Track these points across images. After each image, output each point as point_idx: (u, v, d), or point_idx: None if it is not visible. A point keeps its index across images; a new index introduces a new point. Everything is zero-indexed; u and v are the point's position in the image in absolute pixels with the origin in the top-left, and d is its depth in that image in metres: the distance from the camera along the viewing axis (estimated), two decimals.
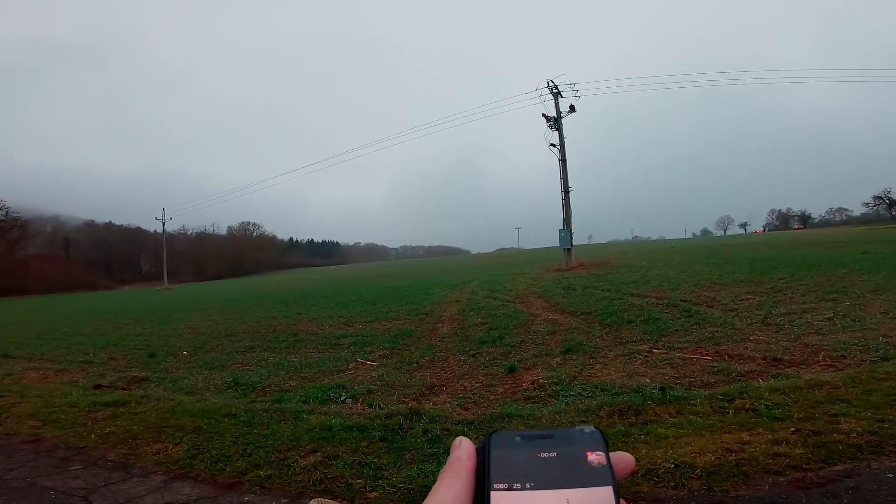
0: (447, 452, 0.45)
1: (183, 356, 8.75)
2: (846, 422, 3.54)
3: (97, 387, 6.71)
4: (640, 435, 3.76)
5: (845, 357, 5.29)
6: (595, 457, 0.41)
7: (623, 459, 0.43)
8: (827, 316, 7.33)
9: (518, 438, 0.43)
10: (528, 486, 0.40)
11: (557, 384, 5.27)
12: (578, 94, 28.15)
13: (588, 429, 0.43)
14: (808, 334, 6.43)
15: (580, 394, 4.94)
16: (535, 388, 5.27)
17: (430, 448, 3.90)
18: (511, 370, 6.02)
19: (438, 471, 0.42)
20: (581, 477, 0.40)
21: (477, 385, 5.63)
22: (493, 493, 0.40)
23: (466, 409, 4.86)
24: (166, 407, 5.45)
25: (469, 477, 0.42)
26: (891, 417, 3.54)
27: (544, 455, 0.42)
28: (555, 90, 27.84)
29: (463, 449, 0.44)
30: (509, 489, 0.40)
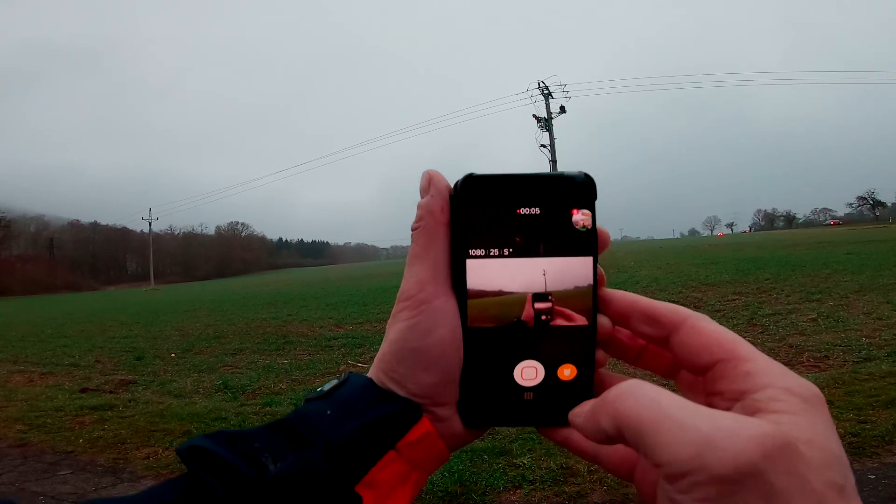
0: None
1: (171, 358, 8.67)
2: None
3: (84, 390, 6.63)
4: None
5: (828, 358, 5.40)
6: (581, 217, 0.36)
7: (602, 232, 0.37)
8: (811, 317, 7.46)
9: (497, 187, 0.36)
10: (505, 252, 0.36)
11: None
12: (569, 95, 28.37)
13: (578, 175, 0.37)
14: (792, 335, 6.55)
15: None
16: None
17: None
18: None
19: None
20: (562, 243, 0.36)
21: None
22: (468, 262, 0.36)
23: None
24: (155, 410, 5.41)
25: (445, 237, 0.37)
26: (873, 419, 3.62)
27: (525, 212, 0.36)
28: (545, 91, 28.02)
29: (435, 197, 0.37)
30: (486, 256, 0.36)
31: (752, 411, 0.27)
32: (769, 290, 10.31)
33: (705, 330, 0.32)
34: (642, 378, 0.35)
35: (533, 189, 0.36)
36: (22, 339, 12.58)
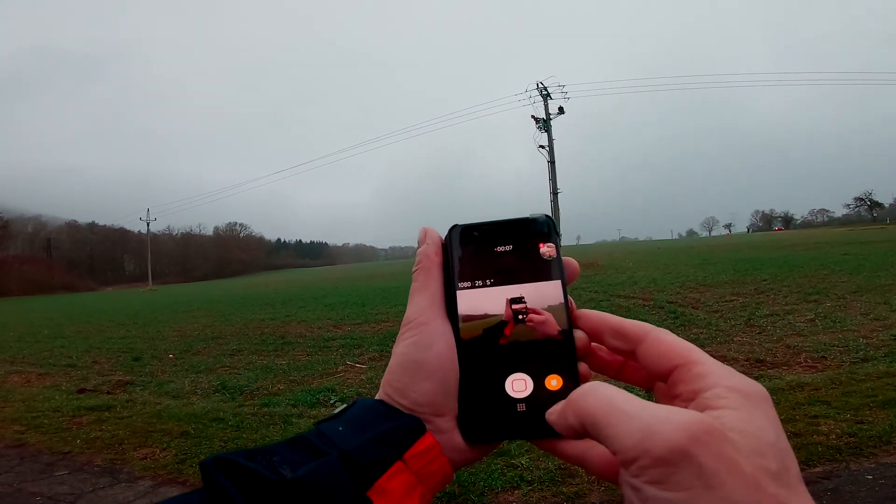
0: None
1: (168, 359, 8.66)
2: (826, 423, 3.62)
3: (81, 391, 6.62)
4: None
5: (826, 358, 5.41)
6: (546, 248, 0.44)
7: (570, 262, 0.44)
8: (808, 317, 7.48)
9: (477, 233, 0.45)
10: (488, 282, 0.43)
11: None
12: (567, 96, 28.37)
13: (540, 217, 0.45)
14: (789, 335, 6.56)
15: None
16: None
17: None
18: None
19: None
20: (534, 270, 0.43)
21: None
22: (458, 293, 0.43)
23: None
24: (152, 411, 5.40)
25: (439, 273, 0.45)
26: (870, 419, 3.63)
27: (500, 249, 0.44)
28: (544, 92, 28.01)
29: (430, 244, 0.46)
30: (472, 287, 0.43)
31: (702, 408, 0.31)
32: (767, 290, 10.33)
33: (664, 340, 0.37)
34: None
35: (506, 231, 0.44)
36: (19, 340, 12.55)
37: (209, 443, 4.42)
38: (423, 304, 0.43)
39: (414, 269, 0.45)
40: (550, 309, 0.42)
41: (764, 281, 11.62)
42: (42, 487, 3.76)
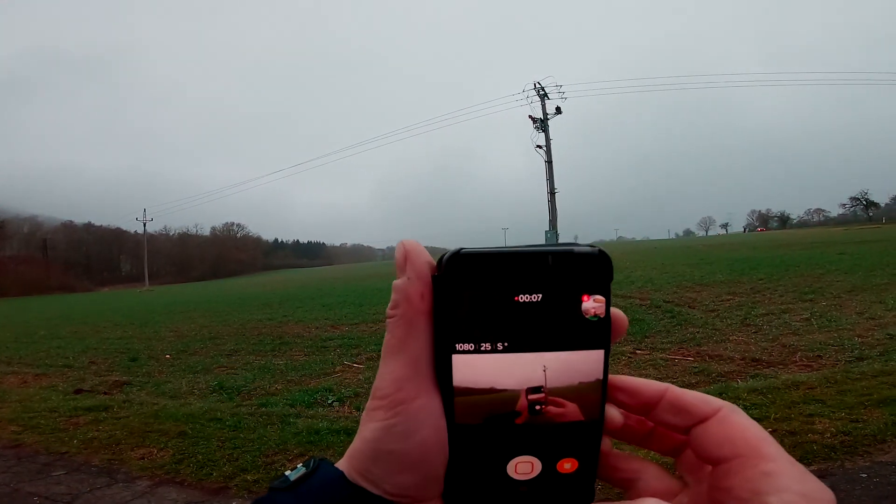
0: None
1: (165, 360, 8.64)
2: (821, 422, 3.64)
3: (78, 391, 6.59)
4: None
5: (821, 357, 5.44)
6: (592, 304, 0.30)
7: (618, 318, 0.32)
8: (804, 316, 7.51)
9: (490, 268, 0.30)
10: (499, 346, 0.30)
11: None
12: (565, 95, 28.43)
13: (590, 252, 0.31)
14: (785, 335, 6.59)
15: None
16: None
17: None
18: None
19: None
20: (569, 335, 0.30)
21: None
22: (454, 357, 0.30)
23: None
24: (150, 411, 5.39)
25: (425, 328, 0.31)
26: (864, 418, 3.65)
27: (524, 299, 0.30)
28: (541, 92, 28.07)
29: (413, 279, 0.31)
30: (476, 351, 0.30)
31: None
32: (763, 290, 10.37)
33: (735, 423, 0.30)
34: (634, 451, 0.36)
35: (535, 270, 0.30)
36: (16, 341, 12.49)
37: (207, 443, 4.41)
38: (400, 372, 0.31)
39: (388, 312, 0.32)
40: (582, 387, 0.31)
41: (760, 280, 11.66)
42: (39, 488, 3.75)
